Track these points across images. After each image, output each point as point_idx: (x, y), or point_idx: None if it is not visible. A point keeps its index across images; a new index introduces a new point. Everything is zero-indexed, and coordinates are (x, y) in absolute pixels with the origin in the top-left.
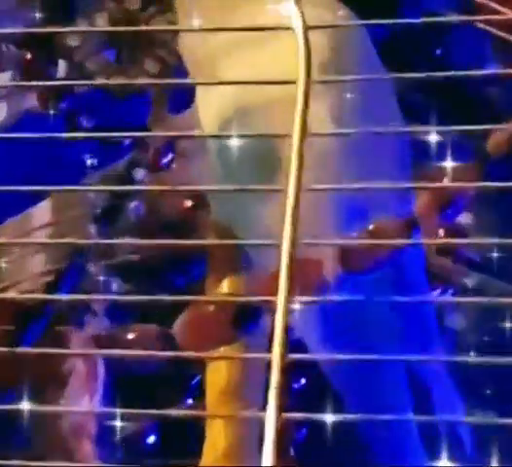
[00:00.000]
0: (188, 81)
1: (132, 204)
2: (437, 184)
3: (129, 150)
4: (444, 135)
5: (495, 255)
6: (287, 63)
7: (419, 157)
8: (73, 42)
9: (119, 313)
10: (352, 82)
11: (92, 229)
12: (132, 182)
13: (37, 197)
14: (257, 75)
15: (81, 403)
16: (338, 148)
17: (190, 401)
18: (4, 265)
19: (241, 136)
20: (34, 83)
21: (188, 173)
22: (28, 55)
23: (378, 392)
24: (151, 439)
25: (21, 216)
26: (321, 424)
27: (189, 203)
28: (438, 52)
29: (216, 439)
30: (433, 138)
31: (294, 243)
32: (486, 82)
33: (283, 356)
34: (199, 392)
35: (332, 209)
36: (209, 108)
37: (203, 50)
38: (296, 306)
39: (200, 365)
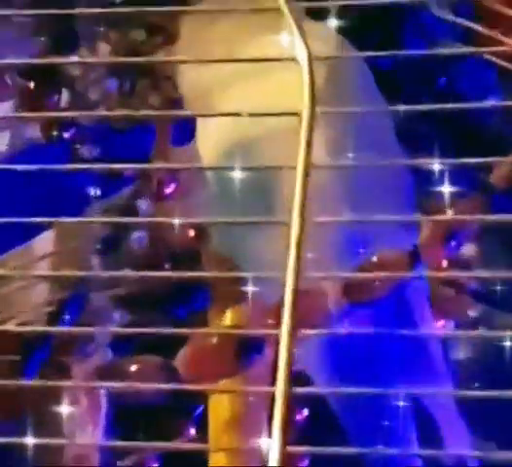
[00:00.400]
0: (189, 113)
1: (136, 235)
2: (441, 216)
3: (133, 180)
4: (448, 166)
5: (500, 288)
6: (286, 96)
7: (422, 188)
8: (75, 71)
9: (121, 344)
10: (349, 114)
11: (95, 259)
12: (136, 212)
13: (40, 228)
14: (256, 107)
15: (83, 434)
16: (337, 180)
17: (192, 431)
18: (6, 295)
19: (244, 169)
20: (32, 114)
21: (190, 203)
22: (31, 85)
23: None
24: None
25: (24, 247)
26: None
27: (192, 233)
28: (442, 81)
29: None
30: (437, 169)
31: (298, 277)
32: (490, 112)
33: (288, 391)
34: (202, 422)
35: (335, 241)
36: (208, 140)
37: (201, 83)
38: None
39: (202, 396)
